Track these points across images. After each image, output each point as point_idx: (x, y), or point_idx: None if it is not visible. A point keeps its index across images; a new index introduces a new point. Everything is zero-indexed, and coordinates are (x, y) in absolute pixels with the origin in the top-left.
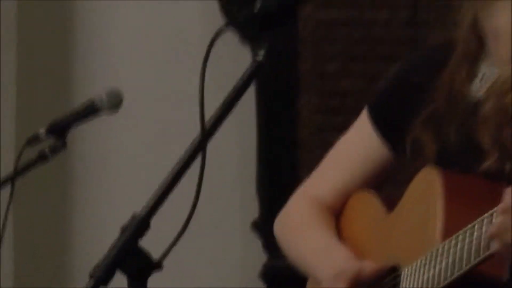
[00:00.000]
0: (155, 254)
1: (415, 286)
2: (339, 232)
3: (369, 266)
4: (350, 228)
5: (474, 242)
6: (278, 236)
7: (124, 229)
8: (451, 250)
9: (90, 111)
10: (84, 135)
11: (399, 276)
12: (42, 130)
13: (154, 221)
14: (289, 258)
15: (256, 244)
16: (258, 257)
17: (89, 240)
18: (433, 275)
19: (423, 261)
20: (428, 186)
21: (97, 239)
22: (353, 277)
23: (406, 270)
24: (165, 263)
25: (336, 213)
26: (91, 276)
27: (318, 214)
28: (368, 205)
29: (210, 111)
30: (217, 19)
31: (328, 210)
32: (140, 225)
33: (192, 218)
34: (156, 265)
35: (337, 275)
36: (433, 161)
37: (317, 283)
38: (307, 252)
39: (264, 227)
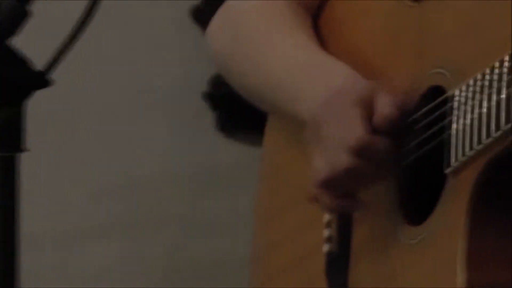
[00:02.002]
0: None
1: (483, 112)
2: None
3: (390, 85)
4: (341, 36)
5: None
6: (218, 48)
7: None
8: None
9: None
10: None
11: (449, 100)
12: None
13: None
14: (239, 85)
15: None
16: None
17: None
18: None
19: (493, 74)
20: None
21: None
22: (366, 99)
23: (460, 91)
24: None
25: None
26: None
27: (291, 12)
28: None
29: None
30: None
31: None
32: (12, 12)
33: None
34: (40, 78)
35: (336, 96)
36: None
37: (292, 119)
38: (276, 70)
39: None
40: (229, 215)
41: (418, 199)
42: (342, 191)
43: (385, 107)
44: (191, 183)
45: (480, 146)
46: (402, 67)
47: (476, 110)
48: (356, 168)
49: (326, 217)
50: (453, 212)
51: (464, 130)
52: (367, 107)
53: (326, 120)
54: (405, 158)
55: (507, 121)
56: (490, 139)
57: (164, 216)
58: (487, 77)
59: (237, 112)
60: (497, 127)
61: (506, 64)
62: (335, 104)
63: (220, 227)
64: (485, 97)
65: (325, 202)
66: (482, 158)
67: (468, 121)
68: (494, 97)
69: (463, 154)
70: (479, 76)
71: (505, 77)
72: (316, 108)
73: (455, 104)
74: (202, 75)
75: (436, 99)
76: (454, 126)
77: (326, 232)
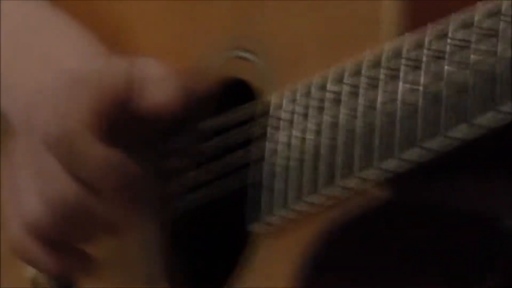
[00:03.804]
0: None
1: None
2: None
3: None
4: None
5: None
6: None
7: None
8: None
9: None
10: None
11: (263, 109)
12: None
13: None
14: None
15: None
16: None
17: None
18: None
19: (343, 84)
20: None
21: None
22: (119, 87)
23: (284, 100)
24: None
25: None
26: None
27: None
28: None
29: None
30: None
31: None
32: None
33: None
34: None
35: (60, 83)
36: None
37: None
38: None
39: None
40: None
41: (197, 260)
42: (69, 240)
43: (156, 88)
44: None
45: (316, 198)
46: (191, 41)
47: (312, 136)
48: (87, 201)
49: (31, 271)
50: None
51: (289, 167)
52: (119, 99)
53: (42, 121)
54: (180, 194)
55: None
56: (335, 188)
57: None
58: (333, 86)
59: None
60: (348, 167)
61: (366, 70)
62: (60, 98)
63: None
64: (328, 118)
65: (37, 258)
66: (319, 217)
67: (295, 154)
68: (347, 120)
69: (286, 208)
70: (318, 82)
71: (362, 92)
72: (27, 103)
73: (273, 121)
74: None
75: (237, 102)
76: (270, 157)
77: None
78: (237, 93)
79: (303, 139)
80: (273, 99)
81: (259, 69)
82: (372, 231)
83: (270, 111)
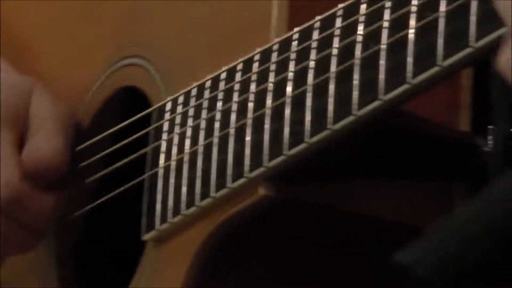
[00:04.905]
0: None
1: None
2: None
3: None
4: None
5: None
6: None
7: None
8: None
9: None
10: None
11: (157, 115)
12: None
13: None
14: None
15: None
16: None
17: None
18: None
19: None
20: None
21: None
22: (19, 114)
23: (175, 104)
24: None
25: None
26: None
27: None
28: None
29: None
30: None
31: None
32: None
33: None
34: None
35: None
36: None
37: None
38: None
39: None
40: None
41: (95, 271)
42: None
43: (39, 143)
44: None
45: (206, 202)
46: (85, 55)
47: (204, 138)
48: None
49: None
50: None
51: (183, 171)
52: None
53: None
54: (80, 206)
55: (252, 167)
56: (224, 190)
57: None
58: (224, 85)
59: None
60: (238, 174)
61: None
62: None
63: None
64: (218, 117)
65: None
66: (211, 219)
67: (188, 157)
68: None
69: (176, 213)
70: (208, 83)
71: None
72: None
73: (166, 126)
74: None
75: (132, 111)
76: (162, 162)
77: None
78: (131, 101)
79: (195, 141)
80: (167, 104)
81: (151, 74)
82: (259, 230)
83: (165, 117)
